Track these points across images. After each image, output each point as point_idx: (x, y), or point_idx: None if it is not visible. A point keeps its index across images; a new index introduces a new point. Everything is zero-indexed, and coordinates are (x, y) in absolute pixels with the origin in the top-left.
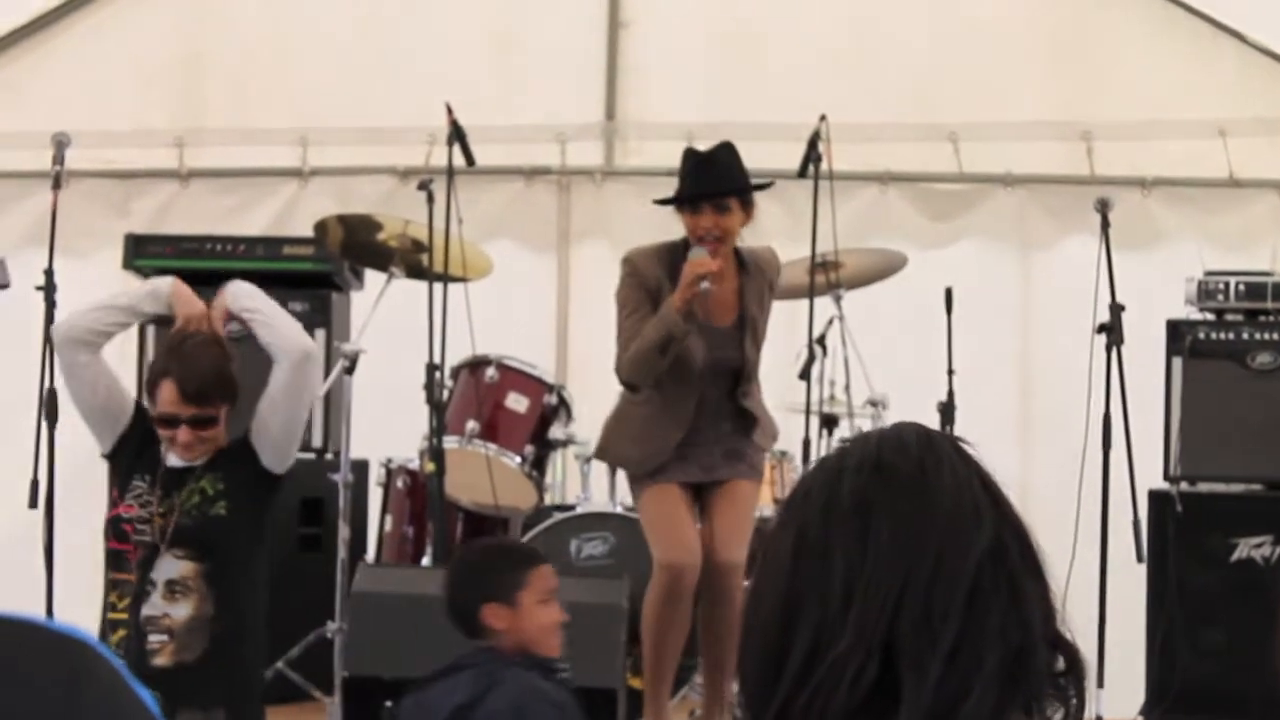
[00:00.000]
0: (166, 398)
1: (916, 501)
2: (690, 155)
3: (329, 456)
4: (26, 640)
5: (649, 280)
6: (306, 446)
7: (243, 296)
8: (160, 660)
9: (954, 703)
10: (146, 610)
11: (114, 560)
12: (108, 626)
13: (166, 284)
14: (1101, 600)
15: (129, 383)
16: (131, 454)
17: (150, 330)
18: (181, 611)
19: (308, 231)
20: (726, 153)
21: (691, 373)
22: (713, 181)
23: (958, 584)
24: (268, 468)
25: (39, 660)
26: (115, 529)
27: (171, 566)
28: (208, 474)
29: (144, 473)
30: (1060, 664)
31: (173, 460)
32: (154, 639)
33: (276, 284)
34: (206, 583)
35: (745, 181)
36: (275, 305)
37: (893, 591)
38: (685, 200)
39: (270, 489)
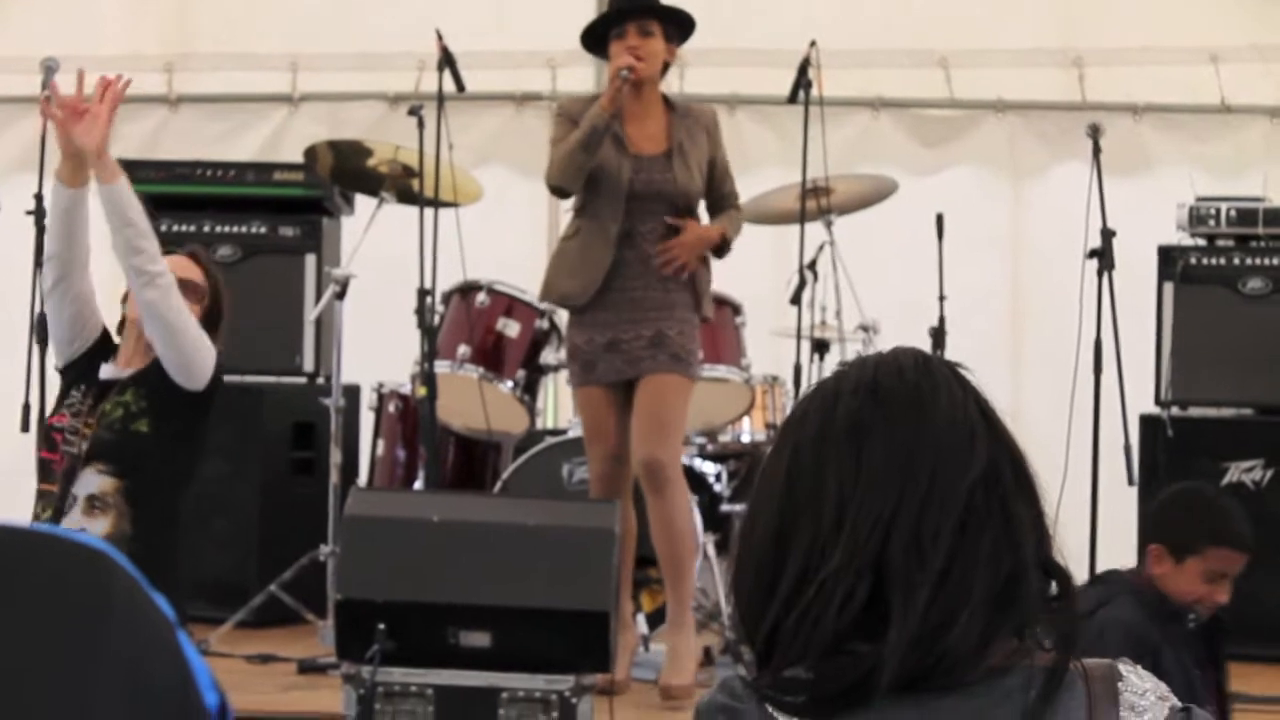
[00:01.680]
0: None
1: (911, 425)
2: None
3: (320, 381)
4: (50, 552)
5: (576, 117)
6: (298, 371)
7: (127, 201)
8: None
9: (943, 625)
10: (66, 524)
11: (42, 470)
12: None
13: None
14: (1093, 523)
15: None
16: (76, 368)
17: None
18: (99, 527)
19: (298, 157)
20: None
21: (617, 189)
22: (634, 2)
23: (950, 507)
24: (182, 386)
25: (65, 572)
26: (47, 438)
27: (92, 481)
28: (132, 388)
29: (81, 383)
30: (1052, 589)
31: (104, 372)
32: None
33: (267, 209)
34: (126, 500)
35: (667, 9)
36: (144, 220)
37: (884, 513)
38: (611, 20)
39: (193, 407)
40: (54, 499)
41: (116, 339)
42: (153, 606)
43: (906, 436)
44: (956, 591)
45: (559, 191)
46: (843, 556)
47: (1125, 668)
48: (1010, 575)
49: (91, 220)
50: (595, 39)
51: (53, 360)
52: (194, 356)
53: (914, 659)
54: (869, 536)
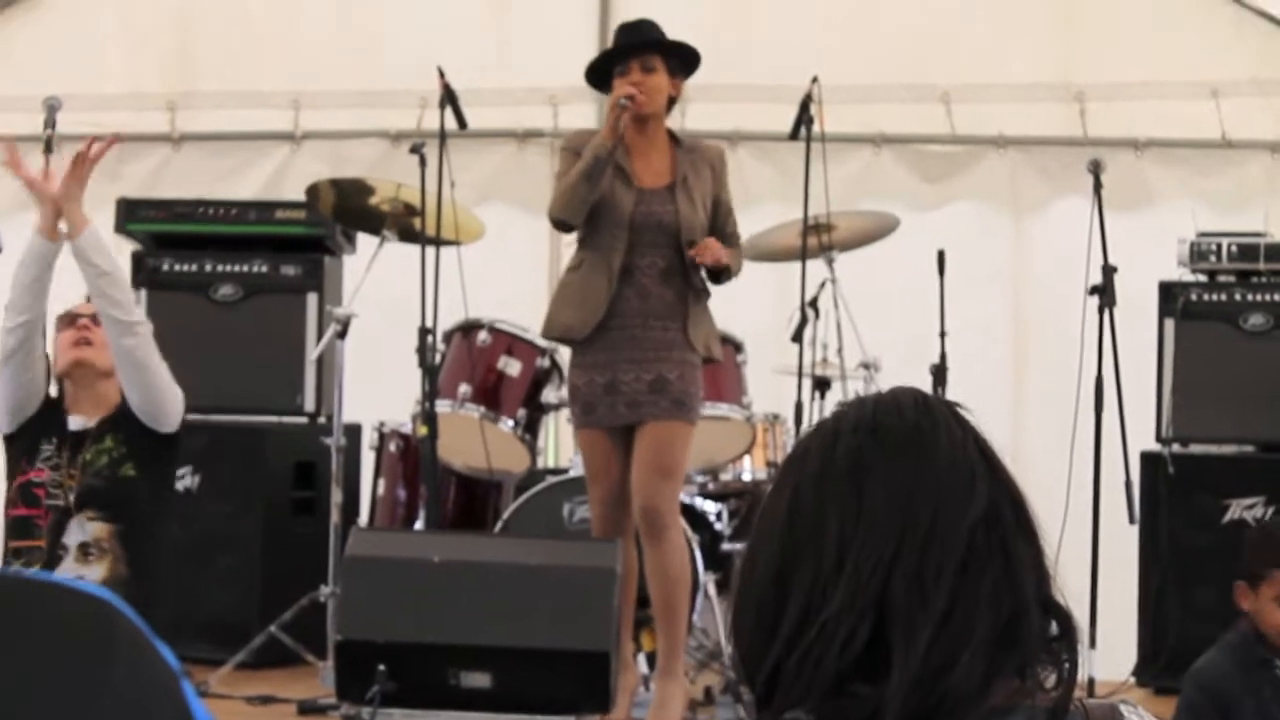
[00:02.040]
0: (76, 307)
1: (911, 465)
2: (620, 26)
3: (321, 420)
4: (55, 601)
5: (581, 149)
6: (299, 410)
7: (96, 249)
8: None
9: (945, 666)
10: (59, 574)
11: (19, 528)
12: None
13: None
14: (1094, 561)
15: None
16: (31, 428)
17: None
18: (95, 574)
19: (300, 195)
20: (650, 24)
21: (620, 221)
22: (637, 37)
23: (951, 548)
24: (155, 430)
25: (69, 620)
26: (24, 495)
27: (84, 529)
28: (109, 434)
29: (50, 436)
30: (1053, 628)
31: (73, 424)
32: None
33: (269, 248)
34: (120, 544)
35: (671, 43)
36: (119, 270)
37: (886, 554)
38: (615, 56)
39: (168, 447)
40: (40, 554)
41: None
42: (157, 656)
43: (907, 476)
44: (958, 632)
45: (561, 225)
46: (844, 597)
47: (1126, 708)
48: (1012, 615)
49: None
50: (600, 75)
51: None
52: (166, 398)
53: (916, 700)
54: (870, 576)
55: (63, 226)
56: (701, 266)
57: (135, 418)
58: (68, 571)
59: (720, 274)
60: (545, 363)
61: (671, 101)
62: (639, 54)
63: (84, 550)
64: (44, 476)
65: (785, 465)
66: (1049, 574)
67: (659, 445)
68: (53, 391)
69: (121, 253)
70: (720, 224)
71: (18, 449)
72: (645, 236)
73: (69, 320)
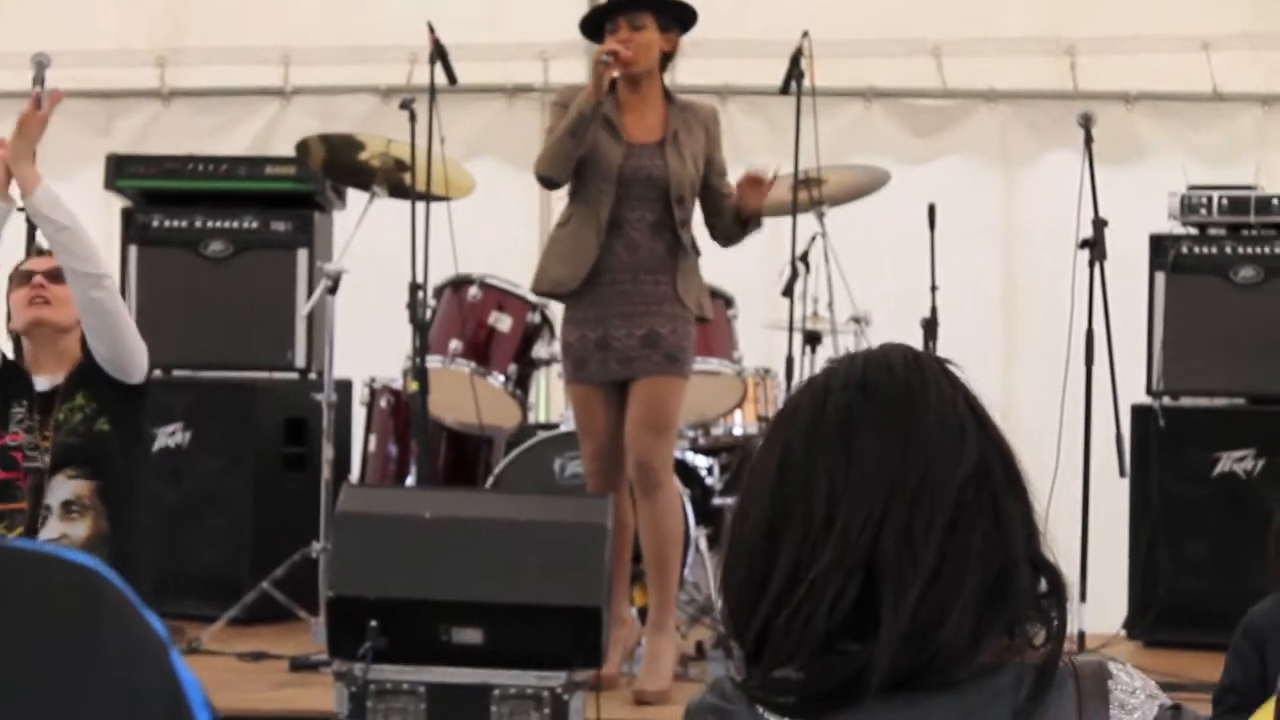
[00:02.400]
0: (28, 263)
1: (901, 421)
2: None
3: (312, 376)
4: (42, 570)
5: (571, 104)
6: (290, 366)
7: (51, 205)
8: None
9: (934, 623)
10: (44, 535)
11: (1, 490)
12: None
13: None
14: (1084, 515)
15: None
16: (1, 394)
17: None
18: (80, 530)
19: (290, 151)
20: None
21: (608, 175)
22: None
23: (940, 505)
24: (122, 381)
25: (56, 589)
26: (2, 459)
27: (65, 487)
28: (79, 391)
29: (19, 399)
30: (1042, 585)
31: (39, 384)
32: None
33: (259, 204)
34: (101, 499)
35: (659, 0)
36: (76, 223)
37: (875, 510)
38: (604, 13)
39: (137, 398)
40: (23, 516)
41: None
42: (145, 624)
43: (897, 433)
44: (948, 589)
45: (546, 181)
46: (834, 554)
47: (1115, 666)
48: (1001, 572)
49: None
50: (594, 28)
51: None
52: (133, 348)
53: (905, 657)
54: (860, 534)
55: (14, 190)
56: (739, 211)
57: (102, 371)
58: (53, 531)
59: (749, 222)
60: (536, 318)
61: (667, 57)
62: (627, 11)
63: (66, 508)
64: (20, 439)
65: (775, 422)
66: (1038, 530)
67: (652, 401)
68: (8, 352)
69: (111, 209)
70: (715, 184)
71: None
72: (634, 190)
73: (23, 278)
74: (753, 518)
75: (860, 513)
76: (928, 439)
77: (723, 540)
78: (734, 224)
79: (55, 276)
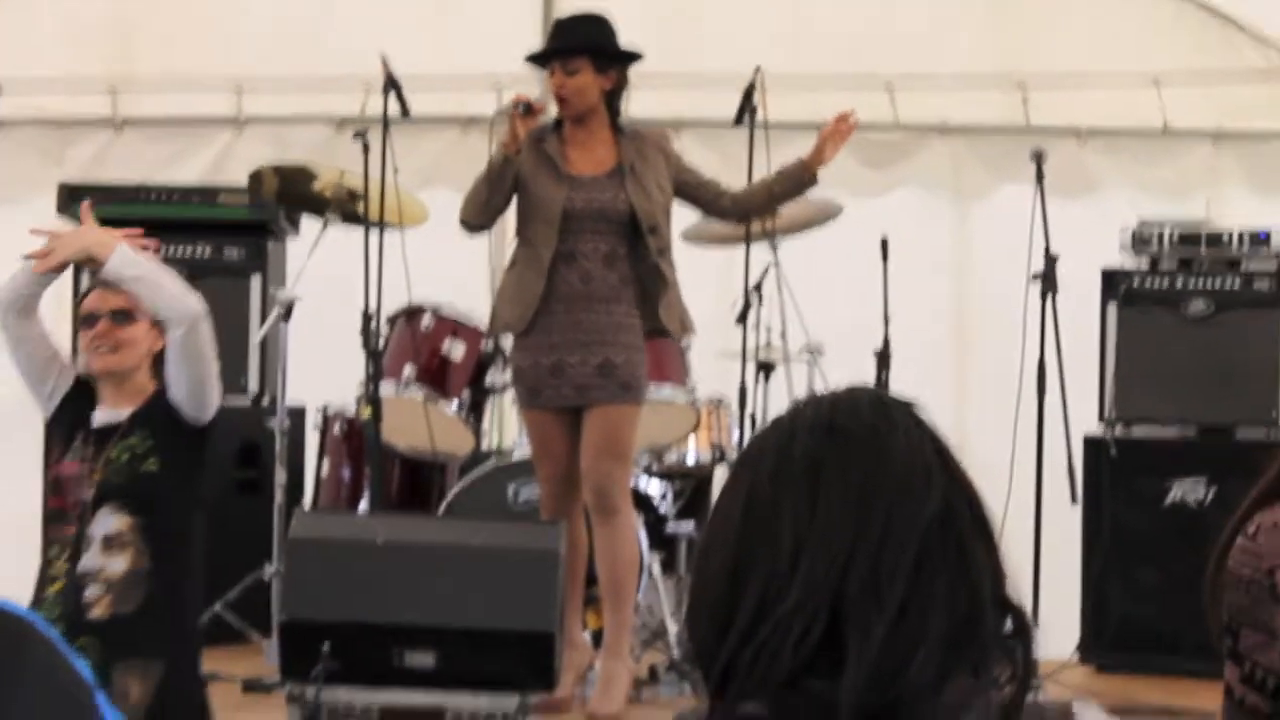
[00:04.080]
0: (89, 301)
1: (868, 464)
2: (554, 23)
3: (265, 402)
4: None
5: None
6: (242, 390)
7: (125, 265)
8: (97, 612)
9: (899, 665)
10: (84, 564)
11: (53, 517)
12: (46, 580)
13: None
14: (1036, 542)
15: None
16: (69, 415)
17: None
18: (118, 565)
19: (243, 179)
20: (587, 20)
21: (550, 216)
22: (557, 40)
23: (906, 547)
24: (192, 420)
25: None
26: (55, 487)
27: (107, 521)
28: (135, 431)
29: (81, 429)
30: (1008, 626)
31: (99, 418)
32: (90, 592)
33: (212, 232)
34: (143, 537)
35: (595, 44)
36: (159, 268)
37: (841, 552)
38: (534, 59)
39: (200, 439)
40: (69, 542)
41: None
42: (71, 671)
43: (863, 477)
44: (913, 630)
45: (466, 225)
46: (799, 594)
47: (1079, 705)
48: (966, 614)
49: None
50: (544, 60)
51: (39, 413)
52: (211, 390)
53: (871, 696)
54: (825, 576)
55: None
56: (809, 168)
57: (168, 409)
58: (93, 562)
59: (807, 184)
60: (489, 346)
61: (615, 92)
62: (561, 56)
63: (107, 542)
64: (73, 470)
65: (740, 462)
66: (1004, 573)
67: (608, 429)
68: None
69: None
70: (702, 186)
71: (55, 437)
72: (585, 224)
73: (87, 321)
74: (718, 557)
75: (825, 555)
76: (894, 483)
77: (688, 578)
78: (792, 186)
79: (119, 317)
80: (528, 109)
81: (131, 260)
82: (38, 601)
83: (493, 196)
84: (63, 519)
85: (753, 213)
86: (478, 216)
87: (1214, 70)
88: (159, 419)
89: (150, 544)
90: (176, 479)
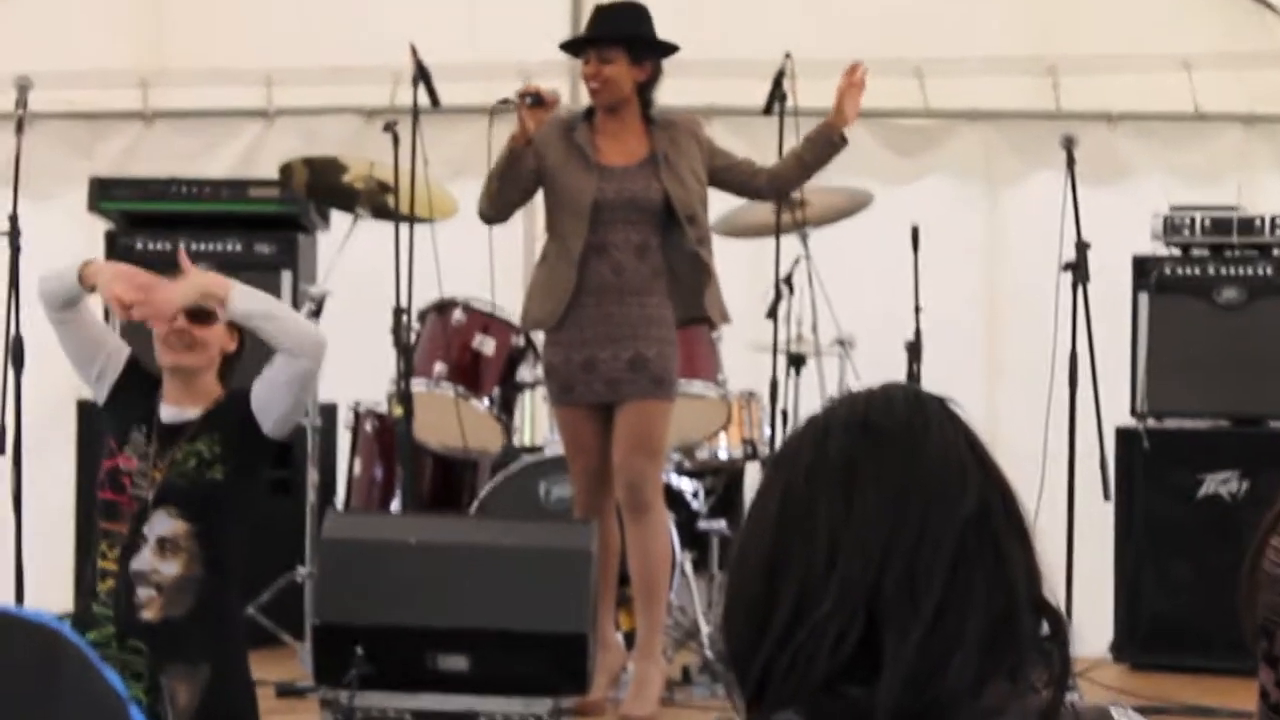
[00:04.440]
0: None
1: (903, 463)
2: (594, 9)
3: None
4: (3, 633)
5: (546, 138)
6: None
7: (248, 302)
8: (148, 614)
9: (937, 667)
10: (136, 564)
11: (107, 510)
12: (96, 575)
13: (71, 270)
14: (1069, 537)
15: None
16: (126, 404)
17: None
18: (171, 569)
19: (273, 173)
20: (626, 8)
21: (579, 208)
22: (595, 29)
23: (942, 547)
24: (269, 435)
25: (12, 648)
26: (112, 480)
27: (164, 524)
28: (204, 434)
29: (141, 423)
30: (1044, 628)
31: (165, 414)
32: (142, 593)
33: (242, 226)
34: (198, 543)
35: (632, 32)
36: (275, 301)
37: (877, 553)
38: (570, 47)
39: (267, 452)
40: (122, 538)
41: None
42: (104, 683)
43: (898, 475)
44: (950, 633)
45: (483, 218)
46: (835, 596)
47: (1118, 710)
48: (1003, 616)
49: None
50: (576, 48)
51: (90, 394)
52: (302, 413)
53: (908, 701)
54: (861, 577)
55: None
56: (834, 130)
57: (238, 415)
58: (144, 563)
59: (840, 144)
60: (520, 341)
61: (649, 83)
62: (597, 45)
63: (161, 544)
64: (132, 466)
65: (775, 462)
66: (1040, 574)
67: (640, 424)
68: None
69: (94, 231)
70: (738, 167)
71: (111, 424)
72: (617, 214)
73: None
74: (753, 559)
75: (861, 556)
76: (929, 482)
77: (720, 577)
78: (822, 151)
79: (198, 316)
80: (536, 100)
81: (250, 295)
82: (88, 595)
83: (504, 189)
84: (117, 514)
85: (789, 186)
86: (491, 209)
87: (1245, 53)
88: (233, 425)
89: (204, 551)
90: (238, 489)
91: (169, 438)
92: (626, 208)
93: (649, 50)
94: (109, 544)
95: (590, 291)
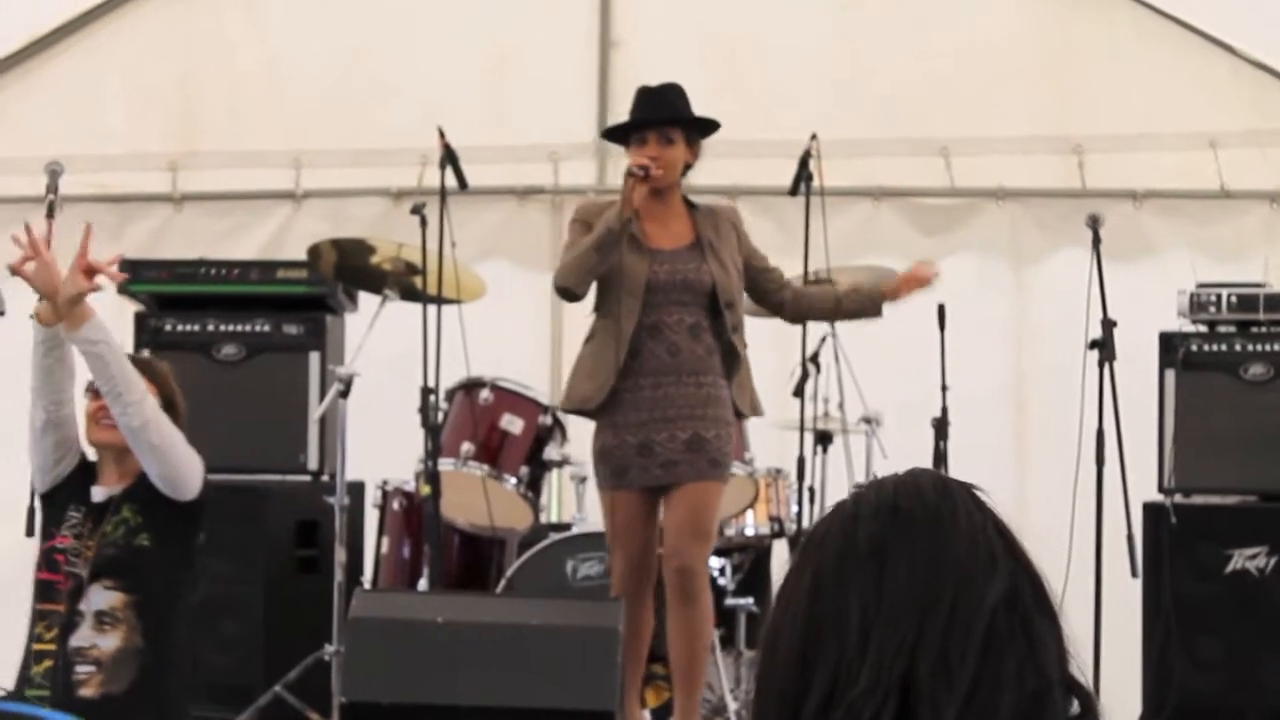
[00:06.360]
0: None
1: (932, 547)
2: (640, 90)
3: (324, 479)
4: None
5: (592, 220)
6: (302, 469)
7: (97, 330)
8: (87, 691)
9: None
10: (75, 641)
11: (43, 591)
12: (33, 657)
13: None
14: (1097, 614)
15: None
16: (66, 489)
17: None
18: (110, 643)
19: (301, 253)
20: (674, 91)
21: (633, 288)
22: (656, 110)
23: (973, 629)
24: (177, 500)
25: None
26: (48, 560)
27: (101, 598)
28: (126, 504)
29: (79, 504)
30: (1075, 707)
31: (97, 494)
32: (81, 670)
33: (270, 307)
34: (135, 614)
35: (691, 116)
36: (118, 352)
37: (909, 635)
38: (632, 127)
39: (187, 515)
40: (59, 618)
41: (91, 456)
42: None
43: (928, 559)
44: (983, 712)
45: (566, 293)
46: (869, 678)
47: None
48: (1035, 695)
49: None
50: (617, 132)
51: (35, 485)
52: (183, 471)
53: None
54: (895, 659)
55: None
56: (885, 295)
57: (152, 488)
58: (84, 638)
59: (873, 314)
60: (548, 420)
61: (688, 166)
62: (659, 126)
63: (99, 618)
64: (66, 544)
65: (804, 547)
66: (1069, 652)
67: (696, 507)
68: (91, 454)
69: (124, 313)
70: (767, 271)
71: (50, 512)
72: (671, 296)
73: (91, 392)
74: (785, 643)
75: (894, 638)
76: (959, 565)
77: (747, 654)
78: (860, 309)
79: None
80: (647, 173)
81: (102, 329)
82: (24, 680)
83: (603, 263)
84: (53, 594)
85: (810, 317)
86: (582, 284)
87: (1272, 130)
88: (146, 496)
89: (142, 621)
90: (169, 556)
91: (100, 515)
92: (680, 289)
93: (702, 131)
94: (45, 625)
95: (646, 374)
